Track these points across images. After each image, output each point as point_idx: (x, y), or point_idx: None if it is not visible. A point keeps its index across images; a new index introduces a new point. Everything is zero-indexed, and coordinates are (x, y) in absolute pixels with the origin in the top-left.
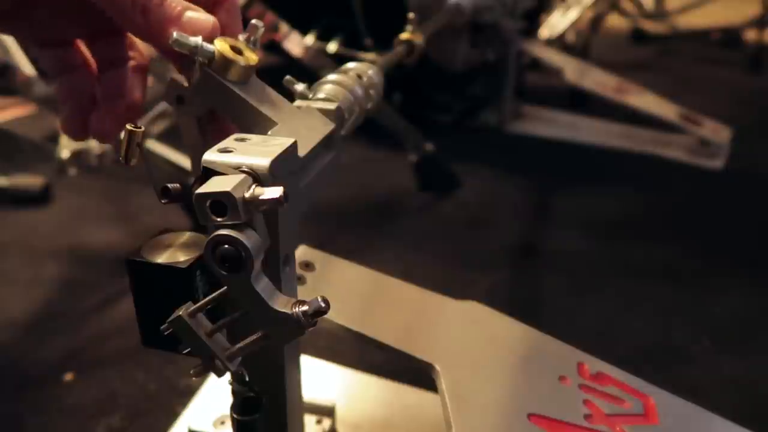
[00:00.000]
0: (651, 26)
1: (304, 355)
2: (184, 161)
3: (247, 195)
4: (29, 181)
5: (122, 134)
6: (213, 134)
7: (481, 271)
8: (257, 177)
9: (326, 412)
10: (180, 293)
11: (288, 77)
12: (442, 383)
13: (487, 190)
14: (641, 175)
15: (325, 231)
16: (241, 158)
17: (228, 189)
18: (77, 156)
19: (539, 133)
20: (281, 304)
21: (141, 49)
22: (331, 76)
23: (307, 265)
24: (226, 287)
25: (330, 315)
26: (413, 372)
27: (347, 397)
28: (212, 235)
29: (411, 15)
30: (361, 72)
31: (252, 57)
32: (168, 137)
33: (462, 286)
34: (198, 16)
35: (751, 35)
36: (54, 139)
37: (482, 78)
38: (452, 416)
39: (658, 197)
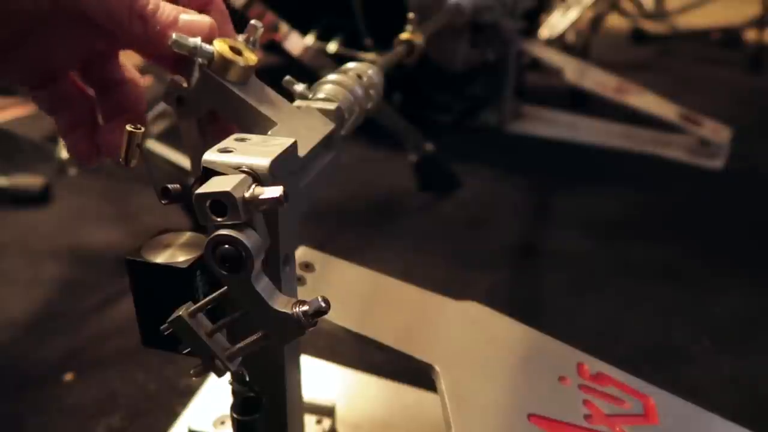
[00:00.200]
0: (651, 26)
1: (304, 355)
2: (184, 161)
3: (247, 195)
4: (29, 181)
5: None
6: (213, 134)
7: (481, 271)
8: (257, 177)
9: (326, 412)
10: (180, 293)
11: (288, 77)
12: (442, 384)
13: (487, 190)
14: (641, 175)
15: (325, 231)
16: (241, 158)
17: (228, 189)
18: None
19: (539, 133)
20: (281, 304)
21: (131, 66)
22: (331, 76)
23: (307, 266)
24: (226, 287)
25: (330, 316)
26: (413, 372)
27: (347, 397)
28: (212, 235)
29: (411, 15)
30: (361, 72)
31: (251, 57)
32: (168, 137)
33: (462, 286)
34: (193, 18)
35: (751, 35)
36: (54, 139)
37: (482, 78)
38: (452, 416)
39: (658, 197)
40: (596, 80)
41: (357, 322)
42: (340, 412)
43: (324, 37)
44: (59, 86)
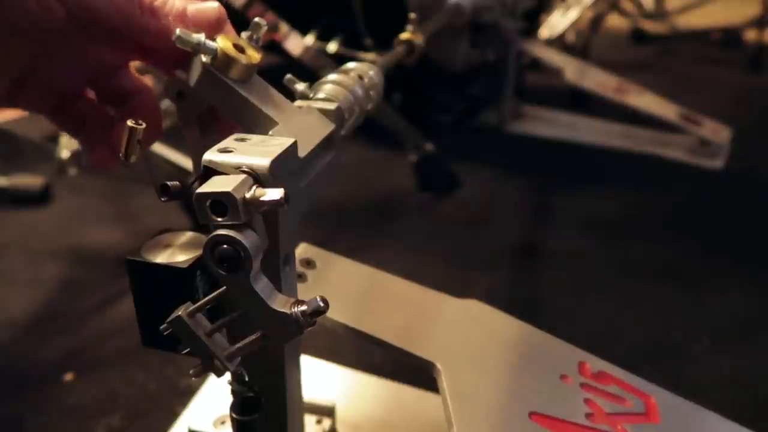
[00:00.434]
0: (651, 26)
1: (304, 355)
2: (185, 161)
3: (247, 196)
4: (29, 181)
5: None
6: (214, 130)
7: (481, 271)
8: (257, 177)
9: (326, 412)
10: (180, 293)
11: (289, 76)
12: (443, 381)
13: (487, 190)
14: (641, 175)
15: (325, 231)
16: (241, 158)
17: (229, 189)
18: (77, 156)
19: (539, 133)
20: (280, 303)
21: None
22: (332, 76)
23: (308, 263)
24: (225, 287)
25: (331, 313)
26: (413, 372)
27: (347, 397)
28: (211, 235)
29: (411, 15)
30: (361, 72)
31: (254, 55)
32: (168, 137)
33: (462, 286)
34: (199, 7)
35: (751, 35)
36: (54, 139)
37: (482, 78)
38: (453, 415)
39: (658, 197)
40: (596, 80)
41: (358, 319)
42: (340, 412)
43: (324, 37)
44: (77, 107)
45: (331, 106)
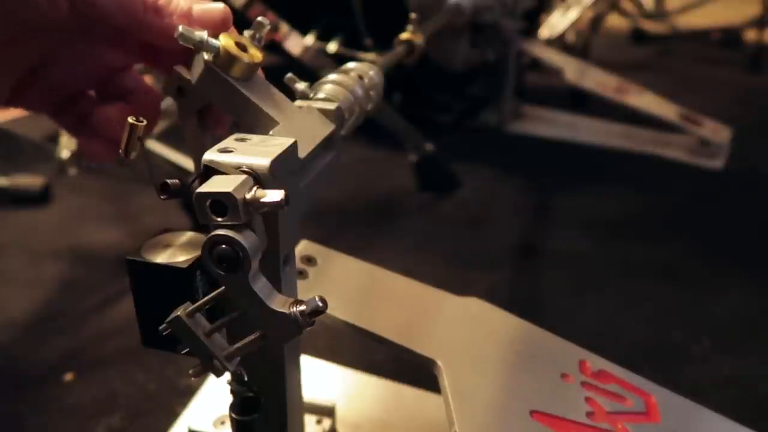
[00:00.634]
0: (651, 26)
1: (304, 355)
2: (185, 161)
3: (248, 196)
4: (29, 181)
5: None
6: (212, 125)
7: (481, 271)
8: (257, 177)
9: (326, 412)
10: (180, 293)
11: (290, 75)
12: (444, 379)
13: (487, 190)
14: (641, 175)
15: (325, 231)
16: (241, 158)
17: (229, 190)
18: (77, 156)
19: (539, 133)
20: (279, 303)
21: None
22: (332, 76)
23: (309, 260)
24: (224, 287)
25: (331, 310)
26: (413, 372)
27: (347, 397)
28: (210, 235)
29: (411, 15)
30: (362, 72)
31: (256, 54)
32: (168, 137)
33: (462, 286)
34: (205, 7)
35: (751, 35)
36: (54, 139)
37: (482, 78)
38: (454, 413)
39: (658, 197)
40: (596, 80)
41: (358, 316)
42: (340, 412)
43: (324, 37)
44: (79, 107)
45: (331, 106)
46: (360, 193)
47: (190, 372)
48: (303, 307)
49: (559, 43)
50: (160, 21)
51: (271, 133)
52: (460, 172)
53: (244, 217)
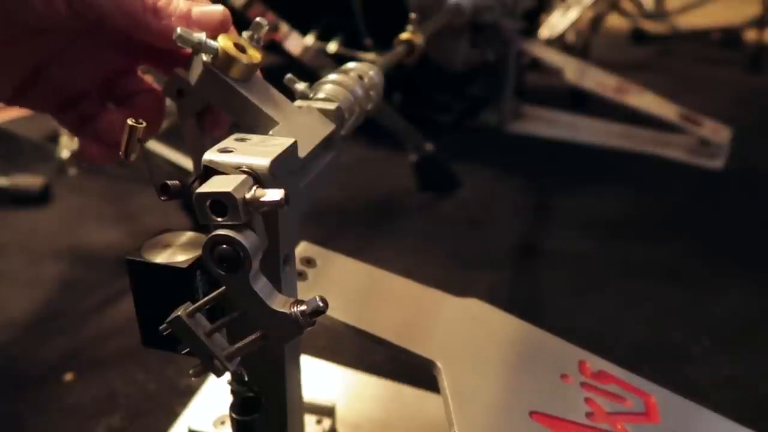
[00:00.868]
0: (651, 26)
1: (304, 355)
2: (185, 161)
3: (248, 196)
4: (29, 181)
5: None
6: (211, 126)
7: (481, 271)
8: (257, 177)
9: (326, 412)
10: (180, 293)
11: (289, 75)
12: (444, 380)
13: (487, 190)
14: (641, 175)
15: (325, 231)
16: (241, 158)
17: (229, 189)
18: (77, 156)
19: (539, 133)
20: (279, 303)
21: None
22: (332, 76)
23: (309, 262)
24: (224, 287)
25: (331, 311)
26: (413, 372)
27: (347, 397)
28: (210, 235)
29: (411, 15)
30: (362, 72)
31: (255, 55)
32: (168, 137)
33: (462, 286)
34: (204, 9)
35: (751, 35)
36: (54, 139)
37: (482, 78)
38: (454, 414)
39: (658, 197)
40: (596, 80)
41: (358, 318)
42: (340, 412)
43: (324, 37)
44: (82, 107)
45: (331, 106)
46: (360, 193)
47: (191, 372)
48: (303, 307)
49: (559, 43)
50: (158, 22)
51: (270, 133)
52: (460, 172)
53: (244, 217)
